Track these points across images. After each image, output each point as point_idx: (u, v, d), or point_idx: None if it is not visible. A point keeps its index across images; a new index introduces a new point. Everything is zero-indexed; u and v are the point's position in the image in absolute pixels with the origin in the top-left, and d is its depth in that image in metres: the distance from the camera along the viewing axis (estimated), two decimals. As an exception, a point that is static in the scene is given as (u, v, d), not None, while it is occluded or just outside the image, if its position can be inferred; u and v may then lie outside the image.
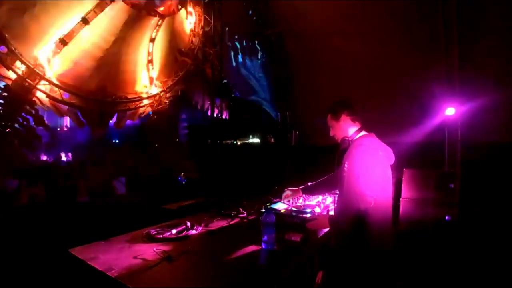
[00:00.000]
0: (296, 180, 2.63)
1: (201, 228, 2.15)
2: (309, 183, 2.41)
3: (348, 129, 1.89)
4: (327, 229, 2.05)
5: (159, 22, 4.90)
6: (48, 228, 3.44)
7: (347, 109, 1.90)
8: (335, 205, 2.37)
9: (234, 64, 6.58)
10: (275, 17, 6.42)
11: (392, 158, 1.89)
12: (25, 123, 3.84)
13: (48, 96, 4.06)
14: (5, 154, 3.70)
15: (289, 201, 2.41)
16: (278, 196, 2.51)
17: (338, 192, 2.12)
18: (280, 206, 2.36)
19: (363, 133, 1.89)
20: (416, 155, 4.18)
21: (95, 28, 4.17)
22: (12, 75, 3.73)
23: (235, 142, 6.74)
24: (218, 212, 2.54)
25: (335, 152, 1.98)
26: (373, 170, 1.71)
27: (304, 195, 2.44)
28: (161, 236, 1.93)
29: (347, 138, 1.88)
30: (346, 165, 1.78)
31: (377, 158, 1.76)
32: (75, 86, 4.31)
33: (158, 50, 5.20)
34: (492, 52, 4.18)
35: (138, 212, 3.96)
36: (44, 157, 5.35)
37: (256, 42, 6.77)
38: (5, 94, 3.68)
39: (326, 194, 2.55)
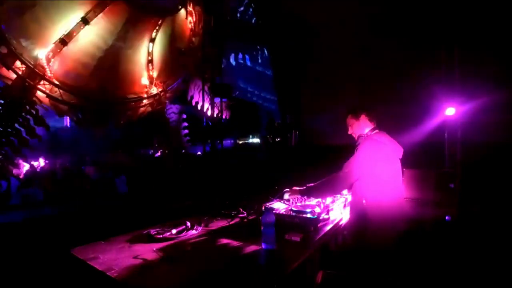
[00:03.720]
0: (296, 180, 2.63)
1: (201, 228, 2.14)
2: (308, 185, 2.37)
3: (365, 127, 2.20)
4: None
5: (159, 22, 4.90)
6: (47, 228, 3.44)
7: (367, 111, 2.23)
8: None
9: (234, 64, 6.58)
10: (278, 16, 6.41)
11: (398, 151, 2.09)
12: (25, 123, 3.83)
13: (48, 96, 4.06)
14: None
15: (289, 201, 2.40)
16: (278, 196, 2.50)
17: None
18: (280, 206, 2.36)
19: (376, 131, 2.16)
20: (416, 155, 4.16)
21: (95, 28, 4.16)
22: (12, 75, 3.73)
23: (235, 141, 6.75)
24: (218, 212, 2.53)
25: (336, 152, 2.07)
26: (373, 157, 1.95)
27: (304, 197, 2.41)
28: (161, 236, 1.93)
29: (363, 135, 2.16)
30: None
31: (381, 149, 1.98)
32: (75, 86, 4.31)
33: (158, 50, 5.19)
34: (492, 52, 4.18)
35: (139, 212, 3.97)
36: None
37: (258, 41, 6.77)
38: (5, 94, 3.68)
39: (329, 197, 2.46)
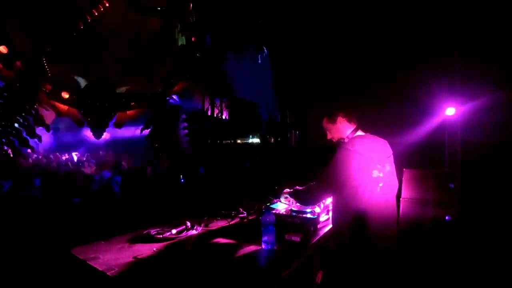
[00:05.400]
0: (296, 181, 2.63)
1: (201, 228, 2.14)
2: (296, 188, 2.28)
3: (345, 130, 1.91)
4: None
5: (160, 22, 4.91)
6: (47, 228, 3.44)
7: (343, 111, 1.93)
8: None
9: (234, 63, 6.58)
10: (277, 17, 6.41)
11: (381, 157, 1.83)
12: (25, 123, 3.83)
13: (48, 96, 4.07)
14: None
15: (289, 201, 2.40)
16: (278, 196, 2.51)
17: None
18: (280, 206, 2.36)
19: (358, 133, 1.91)
20: (416, 155, 4.17)
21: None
22: (12, 75, 3.74)
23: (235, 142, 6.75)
24: (218, 212, 2.53)
25: (336, 152, 1.98)
26: (346, 167, 1.74)
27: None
28: (161, 236, 1.93)
29: (343, 139, 1.89)
30: None
31: (354, 160, 1.74)
32: (75, 86, 4.32)
33: (159, 50, 5.20)
34: (493, 52, 4.18)
35: (138, 212, 3.97)
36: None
37: (257, 41, 6.77)
38: (5, 94, 3.68)
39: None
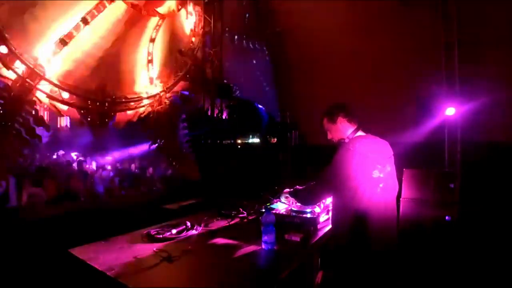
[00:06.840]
0: (296, 180, 2.63)
1: (201, 228, 2.14)
2: (296, 187, 2.32)
3: (346, 130, 1.92)
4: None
5: (159, 22, 4.91)
6: (47, 228, 3.44)
7: (343, 111, 1.93)
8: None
9: (234, 63, 6.58)
10: (275, 16, 6.42)
11: (382, 158, 1.82)
12: (25, 123, 3.83)
13: (48, 96, 4.06)
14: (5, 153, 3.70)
15: (289, 201, 2.40)
16: (278, 196, 2.51)
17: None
18: (280, 206, 2.36)
19: (359, 133, 1.91)
20: (416, 155, 4.17)
21: (95, 28, 4.17)
22: (12, 75, 3.73)
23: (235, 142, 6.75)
24: (218, 212, 2.53)
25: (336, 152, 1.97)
26: (346, 167, 1.74)
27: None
28: (161, 236, 1.93)
29: (344, 140, 1.89)
30: None
31: (356, 158, 1.73)
32: (75, 86, 4.31)
33: (158, 50, 5.20)
34: (492, 52, 4.18)
35: (139, 212, 3.97)
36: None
37: (256, 41, 6.77)
38: (5, 94, 3.68)
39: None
